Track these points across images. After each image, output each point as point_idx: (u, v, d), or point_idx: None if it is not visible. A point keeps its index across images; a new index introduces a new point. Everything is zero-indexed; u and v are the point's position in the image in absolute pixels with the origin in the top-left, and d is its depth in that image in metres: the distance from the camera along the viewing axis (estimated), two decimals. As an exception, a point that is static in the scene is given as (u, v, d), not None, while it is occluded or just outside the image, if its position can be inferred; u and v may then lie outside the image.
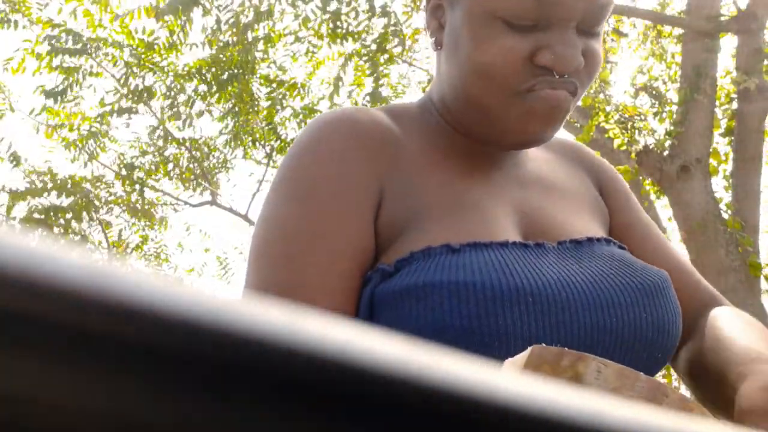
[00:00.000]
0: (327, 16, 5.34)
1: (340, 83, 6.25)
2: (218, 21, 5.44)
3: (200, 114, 6.73)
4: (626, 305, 0.65)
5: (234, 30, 5.48)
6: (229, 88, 6.03)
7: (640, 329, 0.65)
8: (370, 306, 0.63)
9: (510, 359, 0.40)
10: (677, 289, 0.77)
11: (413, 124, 0.76)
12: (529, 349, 0.39)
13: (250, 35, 5.62)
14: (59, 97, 5.95)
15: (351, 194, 0.66)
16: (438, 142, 0.75)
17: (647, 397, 0.36)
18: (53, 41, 5.69)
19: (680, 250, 0.88)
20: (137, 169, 7.01)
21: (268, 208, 0.68)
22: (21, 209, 6.47)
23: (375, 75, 5.87)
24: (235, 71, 5.82)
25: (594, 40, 0.71)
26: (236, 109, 6.38)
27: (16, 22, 5.66)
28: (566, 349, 0.39)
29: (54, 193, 6.56)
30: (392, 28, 5.47)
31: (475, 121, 0.72)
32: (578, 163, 0.85)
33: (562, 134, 1.18)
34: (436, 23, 0.73)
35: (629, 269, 0.68)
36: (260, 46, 6.02)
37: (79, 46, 5.77)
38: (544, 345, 0.39)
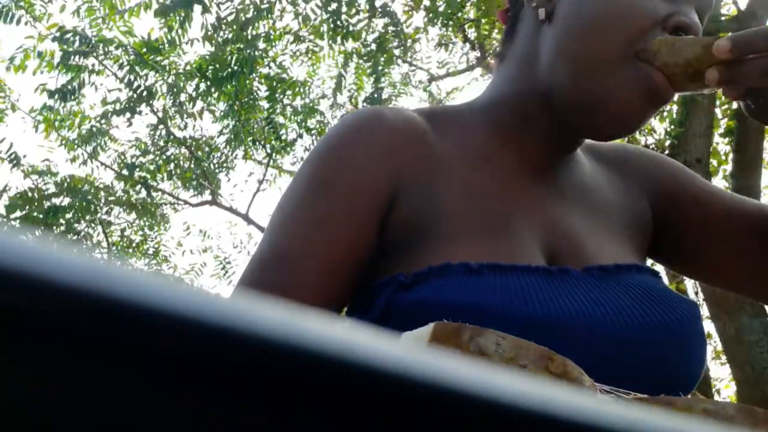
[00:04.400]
0: (327, 15, 5.34)
1: (343, 81, 6.24)
2: (219, 18, 5.43)
3: (201, 112, 6.73)
4: (647, 342, 0.63)
5: (233, 27, 5.47)
6: (228, 86, 6.02)
7: (659, 367, 0.64)
8: (384, 314, 0.63)
9: (411, 332, 0.42)
10: (757, 229, 0.77)
11: (452, 126, 0.75)
12: (432, 324, 0.40)
13: (250, 33, 5.61)
14: (66, 97, 5.95)
15: (356, 192, 0.67)
16: (477, 147, 0.74)
17: (537, 363, 0.40)
18: (62, 42, 5.68)
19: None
20: (138, 169, 7.00)
21: (288, 189, 0.71)
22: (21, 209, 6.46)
23: (375, 75, 5.86)
24: (235, 68, 5.82)
25: None
26: (236, 108, 6.37)
27: (19, 18, 5.64)
28: (465, 324, 0.40)
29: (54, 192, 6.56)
30: (392, 28, 5.46)
31: (572, 98, 0.70)
32: (626, 170, 0.83)
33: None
34: None
35: (655, 303, 0.66)
36: (260, 44, 6.02)
37: (86, 47, 5.77)
38: (444, 321, 0.41)
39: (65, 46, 5.69)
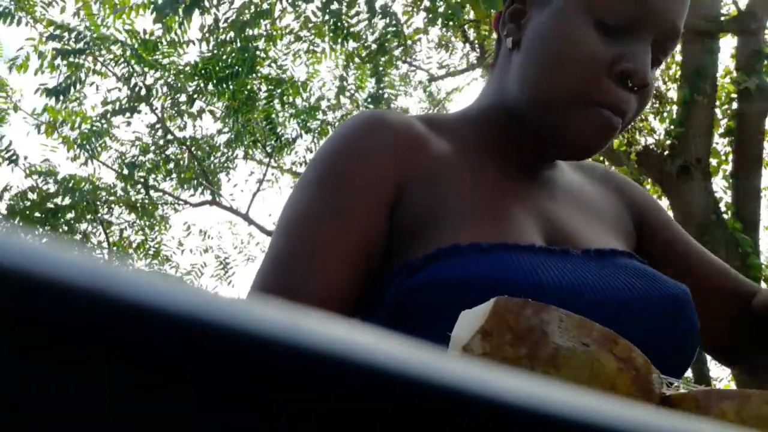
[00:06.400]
0: (327, 17, 5.33)
1: (345, 83, 6.23)
2: (216, 19, 5.42)
3: (201, 112, 6.71)
4: (648, 314, 0.66)
5: (233, 28, 5.46)
6: (228, 85, 6.01)
7: (660, 338, 0.65)
8: (398, 300, 0.64)
9: (471, 309, 0.41)
10: (724, 290, 0.81)
11: (448, 130, 0.78)
12: (493, 300, 0.40)
13: (248, 33, 5.60)
14: (61, 96, 5.93)
15: (367, 187, 0.69)
16: (472, 149, 0.77)
17: (601, 343, 0.40)
18: (58, 40, 5.67)
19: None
20: (138, 168, 6.99)
21: (295, 189, 0.72)
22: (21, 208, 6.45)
23: (377, 76, 5.85)
24: (235, 69, 5.80)
25: (655, 69, 0.74)
26: (236, 107, 6.36)
27: (19, 18, 5.64)
28: (530, 300, 0.40)
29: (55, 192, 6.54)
30: (392, 29, 5.46)
31: (534, 121, 0.74)
32: (609, 185, 0.88)
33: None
34: (514, 26, 0.76)
35: (653, 280, 0.70)
36: (261, 44, 6.01)
37: (83, 45, 5.75)
38: (507, 296, 0.40)
39: (61, 43, 5.67)
